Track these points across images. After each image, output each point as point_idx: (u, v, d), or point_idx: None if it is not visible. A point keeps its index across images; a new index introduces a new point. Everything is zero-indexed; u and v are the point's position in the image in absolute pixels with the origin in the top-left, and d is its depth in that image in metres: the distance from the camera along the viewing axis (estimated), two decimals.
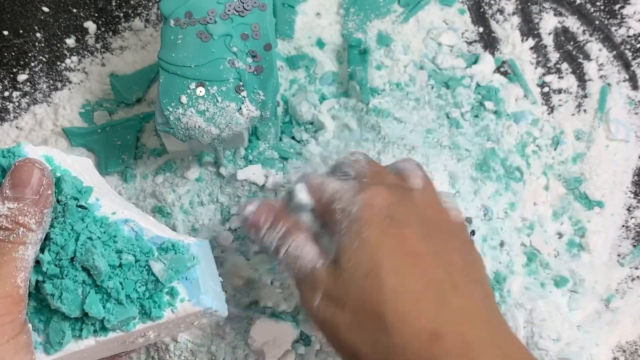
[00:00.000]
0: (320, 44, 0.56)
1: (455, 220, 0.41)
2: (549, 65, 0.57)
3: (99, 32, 0.58)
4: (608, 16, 0.58)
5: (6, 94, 0.57)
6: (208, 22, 0.46)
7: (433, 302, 0.35)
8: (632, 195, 0.56)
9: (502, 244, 0.52)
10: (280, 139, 0.53)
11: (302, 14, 0.57)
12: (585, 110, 0.56)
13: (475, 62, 0.56)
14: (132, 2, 0.58)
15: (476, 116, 0.55)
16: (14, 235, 0.34)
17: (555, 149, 0.56)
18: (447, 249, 0.38)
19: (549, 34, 0.57)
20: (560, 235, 0.55)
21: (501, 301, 0.50)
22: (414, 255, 0.37)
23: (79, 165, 0.41)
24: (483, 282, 0.39)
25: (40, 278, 0.36)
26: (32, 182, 0.36)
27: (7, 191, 0.35)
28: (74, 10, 0.58)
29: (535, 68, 0.57)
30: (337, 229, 0.38)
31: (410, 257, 0.36)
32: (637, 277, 0.55)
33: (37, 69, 0.57)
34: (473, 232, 0.51)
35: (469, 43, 0.57)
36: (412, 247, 0.37)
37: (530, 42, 0.57)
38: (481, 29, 0.57)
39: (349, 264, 0.36)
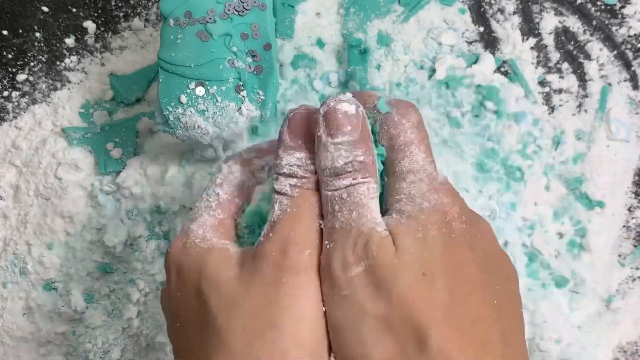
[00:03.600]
0: (320, 43, 0.56)
1: (503, 251, 0.35)
2: (549, 65, 0.57)
3: (99, 31, 0.58)
4: (609, 16, 0.57)
5: (5, 93, 0.57)
6: (208, 22, 0.46)
7: (477, 342, 0.29)
8: (632, 196, 0.56)
9: (505, 244, 0.52)
10: None
11: (302, 14, 0.56)
12: (585, 110, 0.56)
13: (475, 62, 0.56)
14: (131, 1, 0.58)
15: (476, 116, 0.54)
16: (308, 180, 0.33)
17: (555, 149, 0.55)
18: (500, 287, 0.32)
19: (550, 33, 0.57)
20: (560, 235, 0.54)
21: None
22: (471, 282, 0.31)
23: None
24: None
25: None
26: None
27: (290, 142, 0.34)
28: (74, 10, 0.58)
29: (536, 68, 0.57)
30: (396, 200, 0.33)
31: (467, 283, 0.31)
32: (638, 277, 0.55)
33: (36, 69, 0.57)
34: None
35: (469, 43, 0.57)
36: (471, 273, 0.31)
37: (531, 41, 0.57)
38: (481, 29, 0.57)
39: (410, 251, 0.30)
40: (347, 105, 0.33)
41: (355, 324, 0.30)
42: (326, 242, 0.32)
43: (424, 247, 0.30)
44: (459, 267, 0.31)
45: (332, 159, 0.32)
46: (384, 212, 0.33)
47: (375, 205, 0.32)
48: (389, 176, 0.34)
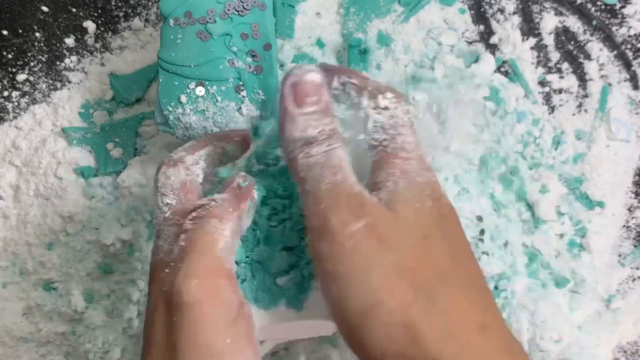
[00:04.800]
0: (320, 44, 0.56)
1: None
2: (549, 65, 0.57)
3: (99, 31, 0.58)
4: (609, 16, 0.57)
5: (5, 93, 0.57)
6: (208, 22, 0.46)
7: (481, 300, 0.33)
8: (633, 196, 0.56)
9: (505, 244, 0.52)
10: None
11: (302, 14, 0.56)
12: (585, 110, 0.56)
13: (475, 62, 0.56)
14: (131, 1, 0.58)
15: None
16: (208, 208, 0.34)
17: (555, 149, 0.55)
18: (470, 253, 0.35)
19: (550, 33, 0.57)
20: (561, 235, 0.54)
21: (505, 303, 0.50)
22: (463, 248, 0.34)
23: None
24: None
25: None
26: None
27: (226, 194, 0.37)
28: (74, 10, 0.58)
29: (536, 68, 0.57)
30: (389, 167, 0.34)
31: (461, 249, 0.34)
32: (638, 277, 0.55)
33: (36, 69, 0.57)
34: (483, 232, 0.51)
35: (470, 43, 0.57)
36: (461, 240, 0.34)
37: (531, 41, 0.57)
38: (481, 29, 0.57)
39: (409, 218, 0.32)
40: (315, 75, 0.34)
41: (363, 275, 0.31)
42: (312, 204, 0.32)
43: (422, 215, 0.32)
44: (452, 235, 0.33)
45: (302, 130, 0.33)
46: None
47: (351, 170, 0.33)
48: (378, 154, 0.35)
